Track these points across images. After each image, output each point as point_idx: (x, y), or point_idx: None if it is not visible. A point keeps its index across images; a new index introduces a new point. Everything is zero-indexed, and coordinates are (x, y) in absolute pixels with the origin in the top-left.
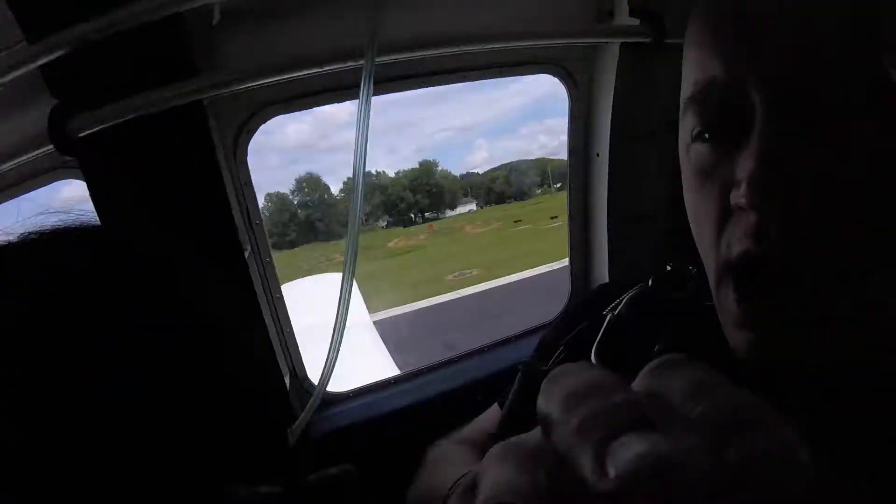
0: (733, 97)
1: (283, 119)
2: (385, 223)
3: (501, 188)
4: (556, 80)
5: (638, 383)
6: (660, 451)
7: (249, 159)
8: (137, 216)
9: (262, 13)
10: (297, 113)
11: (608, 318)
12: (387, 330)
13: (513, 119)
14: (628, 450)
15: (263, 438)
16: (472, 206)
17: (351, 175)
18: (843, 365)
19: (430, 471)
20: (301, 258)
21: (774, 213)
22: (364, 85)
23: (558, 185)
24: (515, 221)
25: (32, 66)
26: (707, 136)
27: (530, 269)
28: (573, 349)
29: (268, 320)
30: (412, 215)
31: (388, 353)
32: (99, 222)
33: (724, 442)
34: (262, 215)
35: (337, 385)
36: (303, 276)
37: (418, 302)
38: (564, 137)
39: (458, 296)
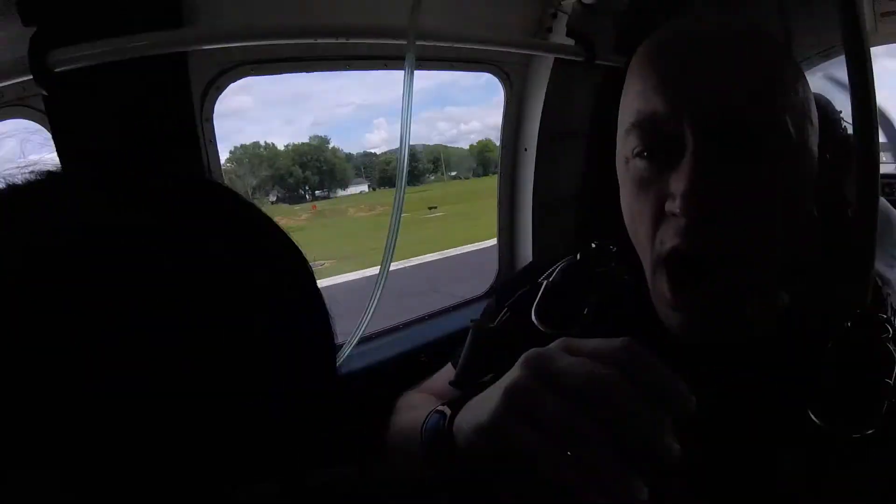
0: (670, 127)
1: None
2: (274, 198)
3: (395, 171)
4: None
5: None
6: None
7: None
8: (102, 162)
9: None
10: None
11: (544, 284)
12: None
13: (415, 102)
14: None
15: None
16: (364, 188)
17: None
18: (750, 339)
19: (401, 415)
20: None
21: (701, 219)
22: (406, 73)
23: (453, 172)
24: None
25: None
26: (646, 154)
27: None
28: (516, 311)
29: None
30: (302, 191)
31: None
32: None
33: None
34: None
35: None
36: None
37: None
38: (464, 126)
39: None
